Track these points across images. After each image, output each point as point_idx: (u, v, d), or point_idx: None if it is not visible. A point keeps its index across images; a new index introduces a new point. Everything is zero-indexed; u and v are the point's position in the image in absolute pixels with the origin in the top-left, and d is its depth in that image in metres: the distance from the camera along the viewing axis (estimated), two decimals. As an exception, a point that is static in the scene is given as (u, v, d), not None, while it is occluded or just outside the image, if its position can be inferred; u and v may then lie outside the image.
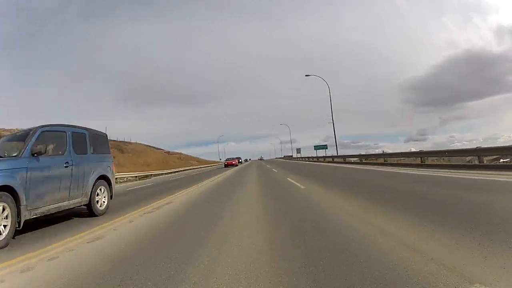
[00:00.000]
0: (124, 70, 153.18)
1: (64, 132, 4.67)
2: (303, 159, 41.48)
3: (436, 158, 13.73)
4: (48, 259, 2.70)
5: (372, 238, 2.54)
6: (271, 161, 47.44)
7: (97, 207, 5.10)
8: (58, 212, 4.40)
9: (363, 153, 23.36)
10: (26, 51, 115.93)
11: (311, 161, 31.86)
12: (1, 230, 3.24)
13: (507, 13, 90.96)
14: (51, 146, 4.33)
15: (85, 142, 5.10)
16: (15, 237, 3.52)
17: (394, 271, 1.78)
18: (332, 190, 6.42)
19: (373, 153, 22.61)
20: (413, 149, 21.17)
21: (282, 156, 78.95)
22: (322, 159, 30.14)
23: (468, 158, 12.22)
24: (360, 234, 2.68)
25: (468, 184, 5.61)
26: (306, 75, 29.09)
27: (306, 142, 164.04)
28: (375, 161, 17.32)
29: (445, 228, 2.60)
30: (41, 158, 3.99)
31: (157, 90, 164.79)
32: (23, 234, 3.79)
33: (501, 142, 67.40)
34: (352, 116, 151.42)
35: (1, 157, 3.87)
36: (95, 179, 5.12)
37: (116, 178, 7.71)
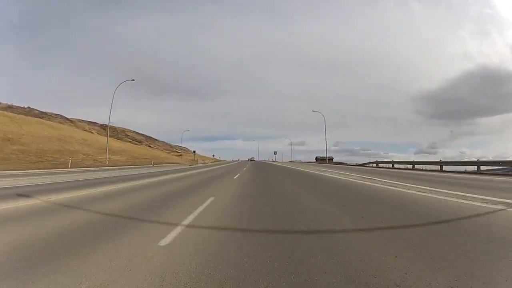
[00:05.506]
0: (128, 58, 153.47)
1: None
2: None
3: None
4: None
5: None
6: (266, 166, 26.20)
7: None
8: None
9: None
10: (35, 37, 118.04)
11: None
12: None
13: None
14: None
15: None
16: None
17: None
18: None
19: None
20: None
21: (314, 159, 60.25)
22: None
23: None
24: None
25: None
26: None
27: (316, 146, 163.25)
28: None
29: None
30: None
31: (161, 82, 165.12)
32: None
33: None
34: (362, 121, 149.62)
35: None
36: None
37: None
